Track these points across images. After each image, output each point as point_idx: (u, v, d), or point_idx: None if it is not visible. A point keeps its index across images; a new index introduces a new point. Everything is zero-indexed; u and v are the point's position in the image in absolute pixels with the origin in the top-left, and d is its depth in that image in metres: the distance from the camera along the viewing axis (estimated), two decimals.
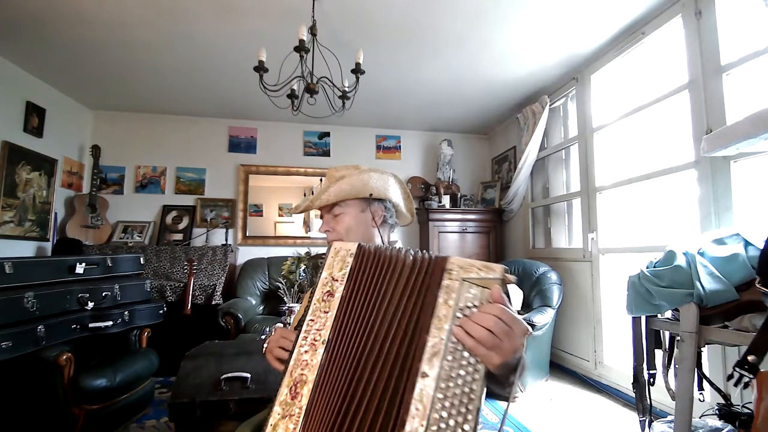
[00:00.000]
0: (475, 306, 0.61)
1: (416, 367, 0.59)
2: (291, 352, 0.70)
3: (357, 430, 0.60)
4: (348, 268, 0.73)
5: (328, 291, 0.73)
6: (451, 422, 0.54)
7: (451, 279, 0.63)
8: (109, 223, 3.86)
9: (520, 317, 0.62)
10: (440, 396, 0.56)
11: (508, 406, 0.62)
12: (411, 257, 0.69)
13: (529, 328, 0.63)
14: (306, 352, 0.68)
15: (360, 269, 0.73)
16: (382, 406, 0.59)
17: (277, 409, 0.65)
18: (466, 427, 0.54)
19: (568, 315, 3.17)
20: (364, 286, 0.70)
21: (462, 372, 0.57)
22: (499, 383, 0.64)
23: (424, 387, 0.57)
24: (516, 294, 3.13)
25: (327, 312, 0.71)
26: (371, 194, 1.05)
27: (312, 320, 0.71)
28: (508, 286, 0.63)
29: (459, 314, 0.60)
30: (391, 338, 0.64)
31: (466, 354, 0.58)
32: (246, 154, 4.25)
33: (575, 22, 2.51)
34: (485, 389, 0.59)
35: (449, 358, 0.58)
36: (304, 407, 0.64)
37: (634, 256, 2.53)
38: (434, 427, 0.54)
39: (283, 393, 0.66)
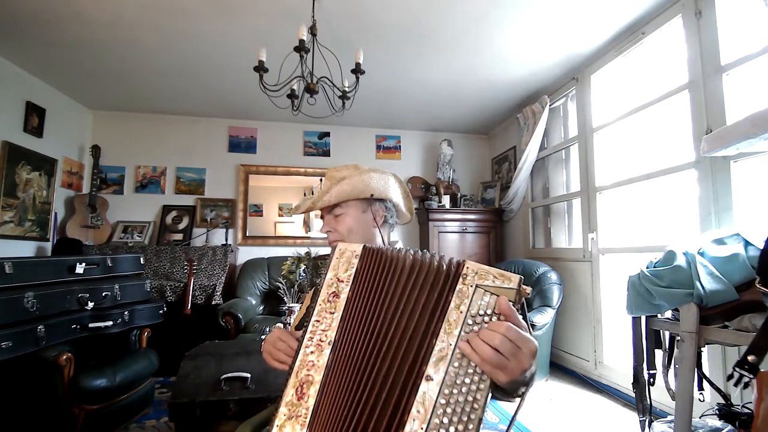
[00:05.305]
0: (486, 314, 0.59)
1: (422, 370, 0.58)
2: (296, 352, 0.69)
3: (365, 431, 0.60)
4: (353, 270, 0.73)
5: (334, 292, 0.72)
6: (452, 429, 0.54)
7: (464, 284, 0.61)
8: (109, 223, 3.86)
9: (529, 335, 0.59)
10: (443, 401, 0.55)
11: (515, 415, 0.62)
12: (427, 259, 0.67)
13: (537, 345, 0.59)
14: (312, 352, 0.68)
15: (366, 270, 0.72)
16: (387, 408, 0.59)
17: (283, 410, 0.64)
18: None
19: (568, 315, 3.17)
20: (371, 287, 0.70)
21: (467, 380, 0.56)
22: (507, 394, 0.64)
23: (428, 390, 0.56)
24: None
25: (333, 313, 0.70)
26: (372, 195, 1.05)
27: (317, 321, 0.70)
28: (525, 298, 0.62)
29: (470, 321, 0.59)
30: (398, 340, 0.63)
31: (473, 363, 0.57)
32: (246, 154, 4.25)
33: (575, 22, 2.51)
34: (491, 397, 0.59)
35: (455, 364, 0.57)
36: (311, 408, 0.63)
37: (634, 256, 2.53)
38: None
39: (289, 394, 0.65)
